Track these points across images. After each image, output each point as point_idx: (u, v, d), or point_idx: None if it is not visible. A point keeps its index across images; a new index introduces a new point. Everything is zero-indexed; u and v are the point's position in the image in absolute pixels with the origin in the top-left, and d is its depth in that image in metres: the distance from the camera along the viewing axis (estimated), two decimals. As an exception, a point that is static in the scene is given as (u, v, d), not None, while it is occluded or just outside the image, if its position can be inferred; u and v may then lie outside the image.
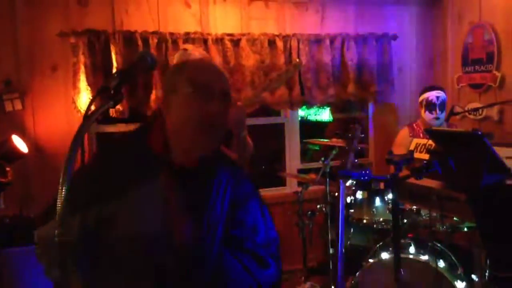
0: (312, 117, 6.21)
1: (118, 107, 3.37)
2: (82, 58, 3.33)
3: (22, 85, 3.30)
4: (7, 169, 3.03)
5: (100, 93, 1.11)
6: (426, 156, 2.07)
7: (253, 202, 1.45)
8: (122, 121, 3.55)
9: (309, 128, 5.49)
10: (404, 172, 1.80)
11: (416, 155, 2.24)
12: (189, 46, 2.90)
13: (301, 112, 5.70)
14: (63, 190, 0.96)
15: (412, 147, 2.44)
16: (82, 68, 3.32)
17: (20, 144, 3.18)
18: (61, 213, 0.96)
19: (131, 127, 2.02)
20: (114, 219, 1.28)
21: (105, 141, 3.66)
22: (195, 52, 2.76)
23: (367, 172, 1.73)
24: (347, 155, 1.75)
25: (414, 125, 3.69)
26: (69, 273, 1.18)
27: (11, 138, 3.14)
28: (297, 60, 3.67)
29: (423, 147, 2.26)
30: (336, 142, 2.93)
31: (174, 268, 1.27)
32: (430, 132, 1.97)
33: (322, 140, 3.30)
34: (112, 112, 3.37)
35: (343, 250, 3.09)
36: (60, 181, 0.97)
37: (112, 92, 1.13)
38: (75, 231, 1.27)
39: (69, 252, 1.04)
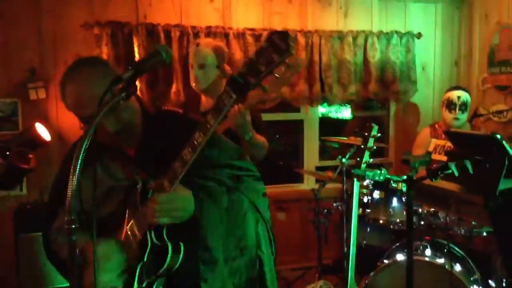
0: (333, 115, 6.17)
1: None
2: (105, 49, 3.37)
3: (46, 75, 3.36)
4: (30, 156, 3.09)
5: (113, 85, 1.12)
6: (444, 158, 2.04)
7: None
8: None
9: (330, 126, 5.45)
10: (422, 173, 1.78)
11: (435, 156, 2.21)
12: (203, 40, 2.90)
13: (322, 109, 5.67)
14: (75, 178, 0.99)
15: (431, 148, 2.40)
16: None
17: (43, 132, 3.25)
18: (70, 201, 0.98)
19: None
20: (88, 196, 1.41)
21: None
22: (204, 46, 2.73)
23: (382, 171, 1.71)
24: (362, 154, 1.73)
25: (436, 125, 3.64)
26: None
27: (35, 125, 3.21)
28: (298, 59, 3.61)
29: (442, 148, 2.23)
30: (354, 140, 2.90)
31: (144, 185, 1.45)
32: (449, 134, 1.94)
33: (339, 138, 3.27)
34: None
35: (356, 250, 3.10)
36: (72, 169, 0.99)
37: (124, 84, 1.14)
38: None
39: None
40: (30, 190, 3.34)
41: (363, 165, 1.74)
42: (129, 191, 1.50)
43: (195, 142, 1.26)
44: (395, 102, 4.19)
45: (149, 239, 1.41)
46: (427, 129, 3.66)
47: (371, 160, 1.76)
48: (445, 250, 2.70)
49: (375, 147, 1.75)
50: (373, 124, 1.75)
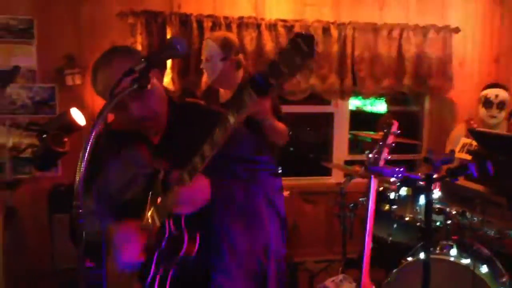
0: (368, 108, 6.07)
1: (171, 87, 3.48)
2: (139, 38, 3.44)
3: (83, 62, 3.46)
4: (65, 139, 3.21)
5: (126, 76, 1.15)
6: (469, 157, 1.99)
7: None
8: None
9: (363, 119, 5.37)
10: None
11: (460, 155, 2.15)
12: (214, 34, 2.95)
13: (357, 102, 5.60)
14: (83, 165, 1.04)
15: (459, 146, 2.34)
16: (140, 48, 3.44)
17: (78, 116, 3.35)
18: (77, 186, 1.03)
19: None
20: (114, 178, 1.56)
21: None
22: (209, 40, 2.76)
23: (400, 169, 1.68)
24: (381, 151, 1.71)
25: (471, 122, 3.52)
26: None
27: (70, 110, 3.33)
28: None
29: (469, 147, 2.17)
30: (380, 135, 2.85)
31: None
32: (473, 133, 1.88)
33: (367, 132, 3.23)
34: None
35: (381, 246, 3.07)
36: (80, 155, 1.04)
37: (138, 75, 1.17)
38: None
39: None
40: (64, 172, 3.48)
41: (381, 162, 1.72)
42: (151, 179, 1.55)
43: (215, 139, 1.28)
44: (430, 97, 4.09)
45: (167, 227, 1.46)
46: (461, 125, 3.55)
47: (389, 156, 1.73)
48: (472, 251, 2.64)
49: (393, 144, 1.72)
50: (393, 121, 1.72)
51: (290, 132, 2.64)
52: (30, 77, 3.42)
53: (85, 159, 1.05)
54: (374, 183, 1.75)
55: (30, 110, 3.41)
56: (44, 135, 3.07)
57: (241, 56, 2.80)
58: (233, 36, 3.03)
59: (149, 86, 1.34)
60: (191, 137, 1.45)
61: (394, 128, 1.73)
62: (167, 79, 3.45)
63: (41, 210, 3.34)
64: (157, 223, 1.49)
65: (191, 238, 1.45)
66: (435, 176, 1.68)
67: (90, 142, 1.05)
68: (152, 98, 1.47)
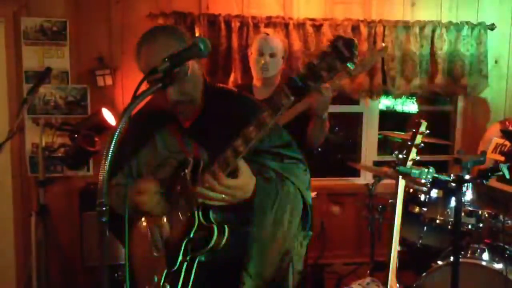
0: (399, 108, 5.95)
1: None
2: (168, 39, 3.48)
3: (114, 63, 3.54)
4: (96, 139, 3.28)
5: (150, 75, 1.16)
6: (502, 158, 1.92)
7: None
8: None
9: (394, 119, 5.27)
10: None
11: (493, 156, 2.08)
12: (269, 31, 2.93)
13: (387, 102, 5.50)
14: (107, 162, 1.06)
15: (492, 147, 2.27)
16: (168, 49, 3.48)
17: (109, 117, 3.42)
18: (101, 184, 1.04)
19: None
20: (145, 159, 1.65)
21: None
22: (275, 37, 2.80)
23: (429, 170, 1.64)
24: (409, 151, 1.67)
25: (506, 122, 3.40)
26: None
27: (101, 111, 3.40)
28: (382, 45, 3.54)
29: (503, 148, 2.10)
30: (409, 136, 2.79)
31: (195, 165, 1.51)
32: (506, 133, 1.82)
33: (397, 132, 3.16)
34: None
35: (411, 249, 3.00)
36: (104, 153, 1.06)
37: (161, 75, 1.18)
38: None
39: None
40: (95, 171, 3.55)
41: (409, 163, 1.68)
42: (180, 167, 1.56)
43: (249, 136, 1.28)
44: (464, 96, 3.98)
45: (196, 218, 1.48)
46: (496, 126, 3.44)
47: (418, 157, 1.69)
48: (506, 255, 2.55)
49: (422, 144, 1.68)
50: (421, 121, 1.68)
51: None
52: (63, 78, 3.51)
53: (109, 157, 1.06)
54: (401, 184, 1.71)
55: (63, 110, 3.51)
56: (76, 135, 3.15)
57: None
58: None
59: (189, 72, 1.38)
60: (224, 125, 1.48)
61: (423, 128, 1.68)
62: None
63: (73, 208, 3.43)
64: (186, 212, 1.50)
65: (220, 230, 1.46)
66: (465, 177, 1.63)
67: (114, 141, 1.06)
68: (189, 83, 1.49)
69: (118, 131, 1.08)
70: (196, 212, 1.47)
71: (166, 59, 1.19)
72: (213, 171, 1.36)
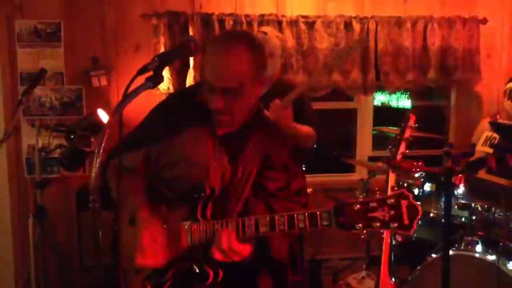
0: (394, 104, 5.99)
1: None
2: (162, 39, 3.49)
3: (108, 63, 3.55)
4: (92, 139, 3.29)
5: (140, 74, 1.19)
6: (491, 151, 1.95)
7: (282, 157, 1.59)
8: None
9: (389, 115, 5.31)
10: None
11: (483, 148, 2.11)
12: (267, 29, 2.94)
13: (382, 98, 5.53)
14: (98, 160, 1.08)
15: (482, 140, 2.29)
16: (162, 49, 3.47)
17: (104, 117, 3.44)
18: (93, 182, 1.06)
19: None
20: (167, 150, 1.61)
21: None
22: (273, 36, 2.78)
23: (419, 164, 1.67)
24: (398, 145, 1.69)
25: (497, 116, 3.43)
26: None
27: (97, 111, 3.41)
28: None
29: (490, 140, 2.13)
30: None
31: (209, 196, 1.50)
32: (494, 125, 1.84)
33: (390, 128, 3.18)
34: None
35: (405, 243, 3.03)
36: (96, 150, 1.08)
37: (152, 73, 1.20)
38: (140, 160, 1.64)
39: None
40: (91, 171, 3.55)
41: (399, 157, 1.70)
42: (194, 192, 1.53)
43: (277, 227, 1.35)
44: (457, 91, 4.00)
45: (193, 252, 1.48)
46: (488, 119, 3.46)
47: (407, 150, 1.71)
48: (499, 247, 2.58)
49: (411, 138, 1.70)
50: (410, 115, 1.71)
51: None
52: (58, 79, 3.52)
53: (100, 155, 1.08)
54: (391, 178, 1.73)
55: (58, 111, 3.52)
56: (72, 136, 3.16)
57: None
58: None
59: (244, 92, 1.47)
60: (255, 151, 1.55)
61: (411, 122, 1.71)
62: (190, 78, 3.49)
63: (70, 208, 3.45)
64: (188, 242, 1.48)
65: (214, 272, 1.47)
66: (454, 169, 1.65)
67: (104, 139, 1.08)
68: (239, 102, 1.50)
69: (107, 129, 1.10)
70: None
71: (156, 57, 1.21)
72: (229, 234, 1.39)
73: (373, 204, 1.16)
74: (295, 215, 1.32)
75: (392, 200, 1.14)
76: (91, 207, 1.09)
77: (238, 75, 1.44)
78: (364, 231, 1.19)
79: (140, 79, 1.23)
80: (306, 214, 1.31)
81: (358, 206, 1.18)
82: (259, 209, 1.53)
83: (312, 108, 2.83)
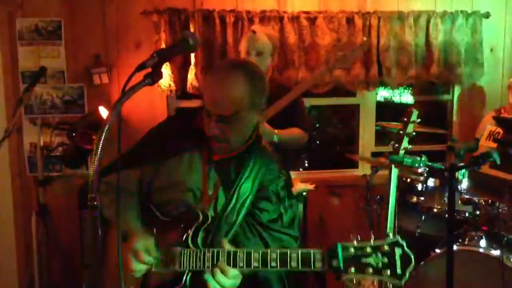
0: (396, 99, 5.97)
1: (195, 84, 3.50)
2: (163, 36, 3.48)
3: (109, 60, 3.54)
4: (93, 137, 3.30)
5: (138, 71, 1.17)
6: (495, 145, 1.93)
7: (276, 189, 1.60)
8: (198, 97, 3.68)
9: (392, 110, 5.29)
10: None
11: (487, 143, 2.10)
12: (256, 28, 2.92)
13: (386, 93, 5.50)
14: (97, 158, 1.07)
15: (485, 135, 2.28)
16: (163, 45, 3.46)
17: (106, 115, 3.45)
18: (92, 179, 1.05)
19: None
20: (162, 173, 1.61)
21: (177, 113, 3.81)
22: (262, 34, 2.76)
23: (422, 158, 1.65)
24: (401, 140, 1.68)
25: (501, 110, 3.42)
26: (118, 213, 1.47)
27: (98, 109, 3.42)
28: (364, 38, 3.53)
29: (497, 135, 2.11)
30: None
31: (202, 223, 1.48)
32: (497, 120, 1.83)
33: (393, 123, 3.17)
34: (189, 88, 3.52)
35: (409, 238, 3.01)
36: (94, 148, 1.07)
37: (150, 70, 1.19)
38: (134, 179, 1.63)
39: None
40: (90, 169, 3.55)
41: (401, 151, 1.69)
42: (186, 217, 1.51)
43: (268, 263, 1.32)
44: (460, 85, 3.98)
45: (184, 276, 1.44)
46: (492, 113, 3.45)
47: (410, 146, 1.70)
48: (503, 242, 2.57)
49: (414, 133, 1.69)
50: (413, 109, 1.69)
51: (318, 125, 2.66)
52: (60, 78, 3.52)
53: (99, 152, 1.07)
54: (394, 173, 1.72)
55: (60, 109, 3.51)
56: (74, 134, 3.17)
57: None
58: (275, 32, 3.05)
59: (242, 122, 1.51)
60: (251, 180, 1.53)
61: (414, 117, 1.69)
62: (191, 75, 3.48)
63: (72, 206, 3.45)
64: (176, 267, 1.44)
65: None
66: (458, 164, 1.64)
67: (102, 136, 1.07)
68: (235, 129, 1.51)
69: (106, 127, 1.09)
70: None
71: (155, 54, 1.19)
72: (222, 267, 1.35)
73: (368, 250, 1.15)
74: (288, 252, 1.29)
75: (386, 248, 1.13)
76: (90, 205, 1.07)
77: (233, 103, 1.47)
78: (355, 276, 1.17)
79: (140, 76, 1.22)
80: (300, 254, 1.28)
81: (352, 250, 1.17)
82: (250, 239, 1.53)
83: (304, 106, 2.88)
